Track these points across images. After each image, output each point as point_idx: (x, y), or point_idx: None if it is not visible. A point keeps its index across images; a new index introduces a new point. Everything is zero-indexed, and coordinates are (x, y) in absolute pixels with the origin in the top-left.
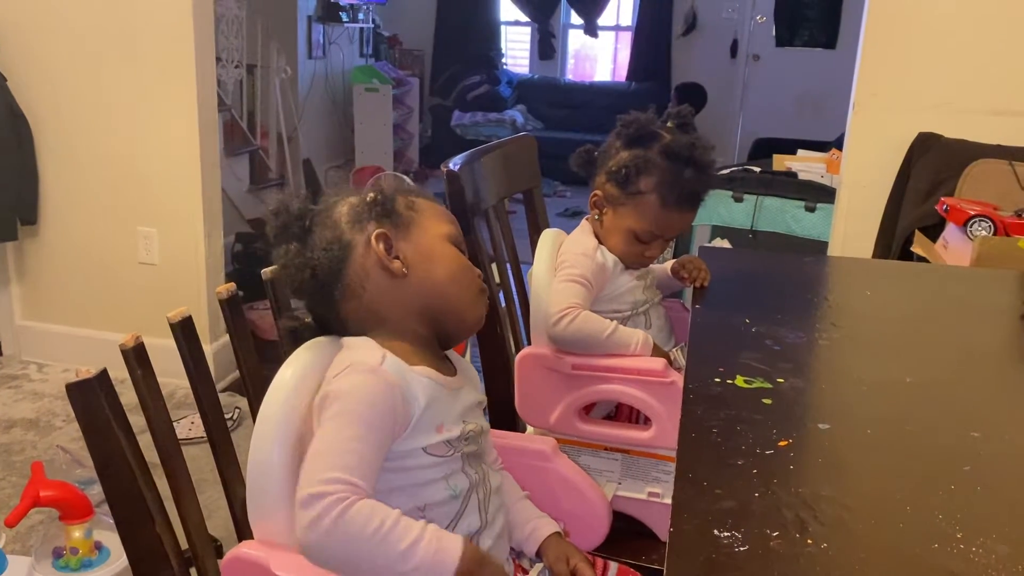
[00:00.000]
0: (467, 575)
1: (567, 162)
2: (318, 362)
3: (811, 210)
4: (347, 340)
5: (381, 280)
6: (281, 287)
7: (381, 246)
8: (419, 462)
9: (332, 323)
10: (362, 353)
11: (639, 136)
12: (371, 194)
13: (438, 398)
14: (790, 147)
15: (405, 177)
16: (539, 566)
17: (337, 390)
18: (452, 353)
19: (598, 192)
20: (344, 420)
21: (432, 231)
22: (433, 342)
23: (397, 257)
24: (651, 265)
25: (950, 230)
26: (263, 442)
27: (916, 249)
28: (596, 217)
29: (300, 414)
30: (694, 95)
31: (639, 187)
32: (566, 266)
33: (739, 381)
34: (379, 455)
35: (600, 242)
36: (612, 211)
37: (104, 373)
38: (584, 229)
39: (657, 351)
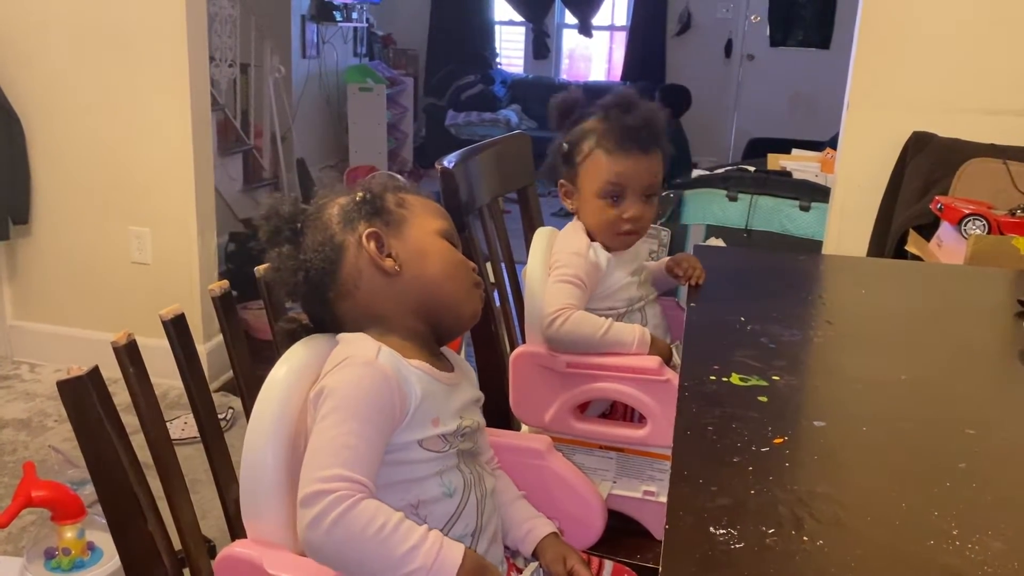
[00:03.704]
0: None
1: None
2: (312, 360)
3: (805, 209)
4: (343, 336)
5: (374, 279)
6: (275, 288)
7: (372, 245)
8: (413, 456)
9: (328, 323)
10: (358, 347)
11: (567, 111)
12: (360, 193)
13: (434, 392)
14: (784, 146)
15: (396, 175)
16: (533, 565)
17: (333, 384)
18: (448, 351)
19: (562, 182)
20: (342, 415)
21: (424, 227)
22: (429, 338)
23: (389, 255)
24: (646, 263)
25: (944, 229)
26: (257, 441)
27: (910, 248)
28: (571, 207)
29: (294, 413)
30: (678, 97)
31: (583, 151)
32: (559, 266)
33: (734, 379)
34: (378, 450)
35: (592, 238)
36: (576, 190)
37: (96, 371)
38: (575, 227)
39: (656, 343)
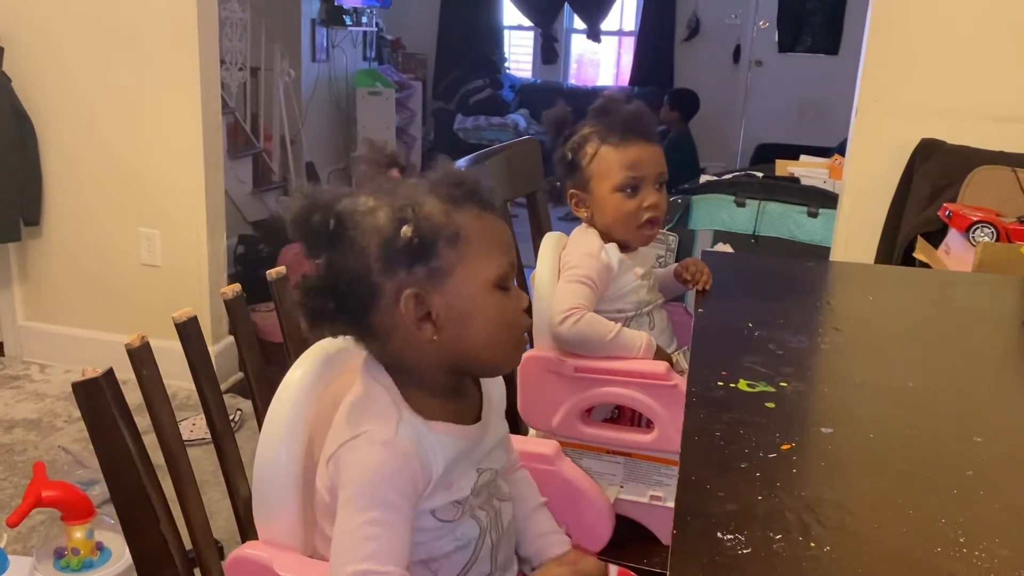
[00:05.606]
0: None
1: None
2: (328, 365)
3: (813, 215)
4: (363, 379)
5: (408, 335)
6: (284, 290)
7: (411, 306)
8: (425, 524)
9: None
10: (376, 414)
11: (561, 124)
12: (408, 229)
13: (456, 456)
14: (793, 152)
15: (459, 167)
16: None
17: (351, 466)
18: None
19: (572, 192)
20: (362, 503)
21: (475, 279)
22: (459, 385)
23: (428, 314)
24: (654, 269)
25: (952, 236)
26: (270, 443)
27: (918, 255)
28: (584, 215)
29: (308, 415)
30: (687, 100)
31: (587, 153)
32: (571, 267)
33: (742, 385)
34: (407, 530)
35: (603, 239)
36: (589, 194)
37: (110, 373)
38: (586, 229)
39: (660, 354)
